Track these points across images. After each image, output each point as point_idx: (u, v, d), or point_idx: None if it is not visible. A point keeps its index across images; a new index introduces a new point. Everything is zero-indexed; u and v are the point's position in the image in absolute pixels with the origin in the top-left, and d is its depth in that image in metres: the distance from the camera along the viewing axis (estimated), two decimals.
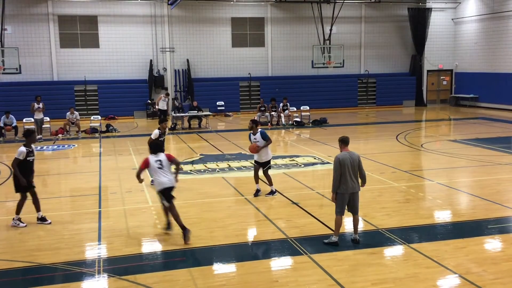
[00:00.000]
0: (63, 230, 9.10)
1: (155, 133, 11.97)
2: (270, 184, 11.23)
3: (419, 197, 11.11)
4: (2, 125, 20.51)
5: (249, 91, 29.61)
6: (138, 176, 8.92)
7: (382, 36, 31.07)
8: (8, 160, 15.98)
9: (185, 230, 8.40)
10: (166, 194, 8.62)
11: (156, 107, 23.77)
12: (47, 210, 10.38)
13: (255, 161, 11.22)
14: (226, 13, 28.87)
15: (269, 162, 11.17)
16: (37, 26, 26.38)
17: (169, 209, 8.68)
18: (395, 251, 7.98)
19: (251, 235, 9.00)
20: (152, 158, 8.80)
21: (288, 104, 24.03)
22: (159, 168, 8.68)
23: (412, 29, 30.72)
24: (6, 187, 12.40)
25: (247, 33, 29.44)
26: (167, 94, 24.84)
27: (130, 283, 6.80)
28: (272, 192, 11.18)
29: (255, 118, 13.16)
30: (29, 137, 9.60)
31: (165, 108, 23.53)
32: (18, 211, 9.47)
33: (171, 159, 8.92)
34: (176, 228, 8.64)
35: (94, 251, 8.08)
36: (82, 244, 8.44)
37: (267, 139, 10.88)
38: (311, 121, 24.20)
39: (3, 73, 23.85)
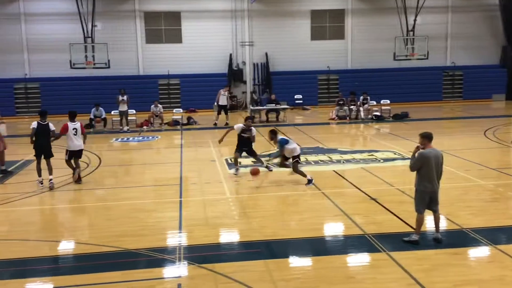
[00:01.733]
0: (147, 217, 9.51)
1: (238, 126, 12.46)
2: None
3: (508, 196, 10.47)
4: (92, 117, 21.80)
5: (328, 84, 29.28)
6: (56, 138, 11.94)
7: (470, 26, 29.45)
8: (98, 150, 16.96)
9: (74, 170, 11.90)
10: (75, 154, 11.89)
11: (215, 103, 22.96)
12: (132, 198, 10.93)
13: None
14: (305, 6, 28.69)
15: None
16: (124, 23, 27.72)
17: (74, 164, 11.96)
18: (480, 252, 7.59)
19: (328, 229, 8.93)
20: (71, 125, 11.79)
21: (368, 98, 23.50)
22: (74, 135, 11.74)
23: (503, 19, 28.87)
24: (96, 174, 13.17)
25: (327, 25, 29.09)
26: (227, 88, 23.63)
27: (208, 271, 6.99)
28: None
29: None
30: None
31: (225, 103, 22.72)
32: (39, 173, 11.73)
33: (83, 131, 12.08)
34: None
35: (175, 239, 8.39)
36: (164, 231, 8.78)
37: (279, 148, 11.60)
38: (391, 115, 23.51)
39: (93, 68, 25.25)
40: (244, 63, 28.89)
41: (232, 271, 6.98)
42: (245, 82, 29.04)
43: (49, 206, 10.72)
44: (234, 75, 28.61)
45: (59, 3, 26.96)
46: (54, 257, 7.79)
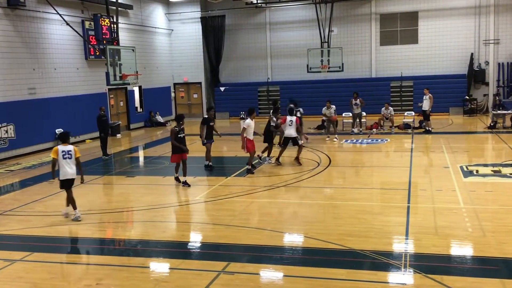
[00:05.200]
0: (373, 220, 9.50)
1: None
2: None
3: None
4: (324, 118, 22.63)
5: None
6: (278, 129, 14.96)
7: None
8: (328, 150, 17.58)
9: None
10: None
11: (421, 107, 21.19)
12: (359, 199, 11.02)
13: None
14: None
15: None
16: (360, 26, 28.11)
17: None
18: None
19: None
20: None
21: None
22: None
23: None
24: (326, 174, 13.69)
25: None
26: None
27: (436, 282, 6.63)
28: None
29: None
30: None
31: (426, 108, 20.78)
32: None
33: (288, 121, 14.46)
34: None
35: (401, 245, 8.18)
36: (390, 236, 8.63)
37: None
38: None
39: (328, 71, 26.23)
40: (487, 63, 26.47)
41: (462, 286, 6.49)
42: (487, 84, 26.61)
43: (282, 200, 11.55)
44: (475, 76, 26.48)
45: (300, 11, 28.81)
46: (286, 248, 8.38)
